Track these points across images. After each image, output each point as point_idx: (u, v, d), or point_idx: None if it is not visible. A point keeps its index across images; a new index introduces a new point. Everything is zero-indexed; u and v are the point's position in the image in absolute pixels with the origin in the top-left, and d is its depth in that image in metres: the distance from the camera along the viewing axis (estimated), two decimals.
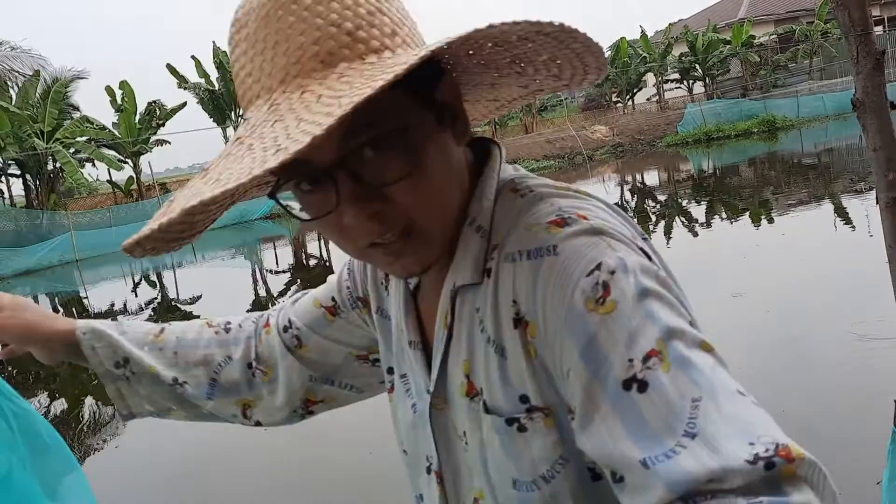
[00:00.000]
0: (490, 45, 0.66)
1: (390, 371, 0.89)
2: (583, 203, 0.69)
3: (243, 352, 1.02)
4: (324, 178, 0.64)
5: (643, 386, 0.54)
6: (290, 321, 1.00)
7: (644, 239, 0.69)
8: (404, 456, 0.86)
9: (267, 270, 14.32)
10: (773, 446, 0.49)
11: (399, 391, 0.86)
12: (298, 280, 12.44)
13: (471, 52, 0.68)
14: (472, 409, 0.72)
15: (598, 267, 0.60)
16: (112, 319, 1.18)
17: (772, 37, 35.33)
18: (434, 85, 0.68)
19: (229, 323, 1.05)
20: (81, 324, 0.99)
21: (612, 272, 0.60)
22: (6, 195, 25.65)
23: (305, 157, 0.59)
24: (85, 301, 13.72)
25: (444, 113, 0.68)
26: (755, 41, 33.30)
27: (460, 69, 0.72)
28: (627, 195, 16.81)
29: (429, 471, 0.80)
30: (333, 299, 0.98)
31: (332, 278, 1.01)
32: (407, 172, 0.64)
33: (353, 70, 0.59)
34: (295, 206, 0.69)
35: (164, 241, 0.68)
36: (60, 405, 6.95)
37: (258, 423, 1.04)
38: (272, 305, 10.95)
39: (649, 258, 0.65)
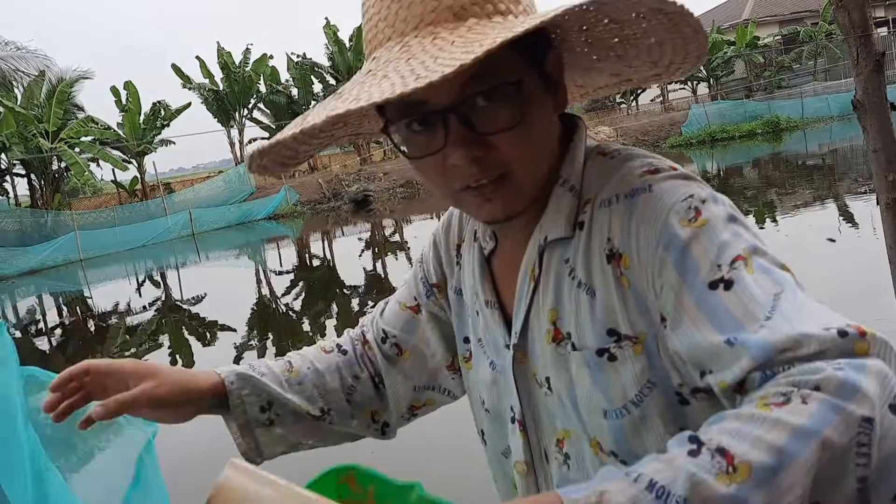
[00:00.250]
0: (606, 20, 0.73)
1: (466, 340, 0.95)
2: (669, 161, 0.76)
3: (368, 369, 1.03)
4: (436, 120, 0.71)
5: (728, 284, 0.61)
6: (384, 331, 1.03)
7: None
8: (487, 415, 0.91)
9: (271, 271, 14.34)
10: (846, 323, 0.55)
11: (477, 355, 0.92)
12: (302, 281, 12.45)
13: (585, 27, 0.76)
14: (557, 353, 0.78)
15: (691, 196, 0.68)
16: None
17: (776, 38, 35.23)
18: (545, 54, 0.75)
19: (340, 345, 1.05)
20: (225, 372, 0.95)
21: (704, 201, 0.68)
22: (11, 195, 25.74)
23: (423, 98, 0.69)
24: (89, 301, 13.75)
25: (549, 80, 0.76)
26: (759, 42, 33.24)
27: (566, 47, 0.81)
28: None
29: (512, 420, 0.86)
30: (415, 297, 1.02)
31: (408, 280, 1.05)
32: (513, 124, 0.71)
33: (480, 25, 0.67)
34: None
35: (279, 160, 0.77)
36: None
37: (385, 427, 1.05)
38: (276, 306, 10.90)
39: None
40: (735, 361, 0.58)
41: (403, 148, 0.77)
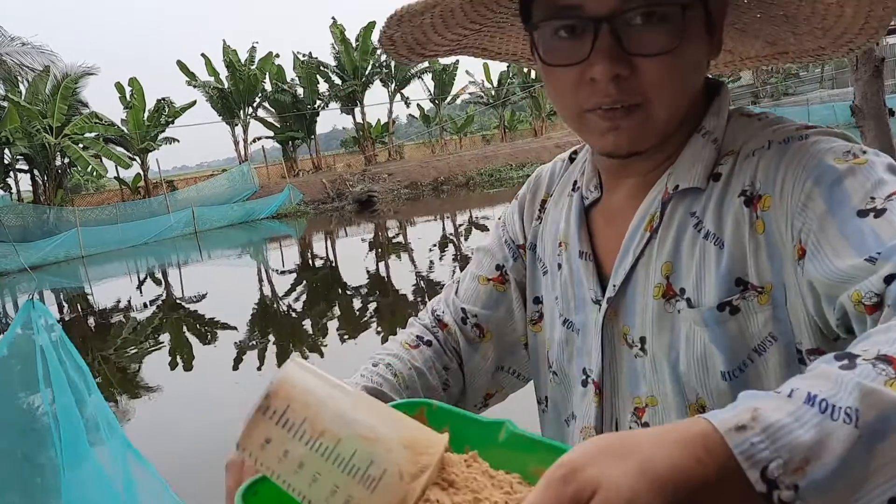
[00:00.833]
0: None
1: (536, 300, 0.92)
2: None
3: (449, 359, 0.95)
4: (586, 28, 0.68)
5: (880, 213, 0.59)
6: (464, 311, 0.95)
7: None
8: (554, 379, 0.88)
9: (273, 270, 14.26)
10: None
11: (549, 314, 0.89)
12: (304, 281, 12.37)
13: None
14: (665, 311, 0.74)
15: (851, 147, 0.67)
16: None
17: None
18: None
19: (421, 336, 0.95)
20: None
21: (864, 151, 0.66)
22: (14, 190, 25.71)
23: (578, 2, 0.68)
24: (90, 298, 13.68)
25: (712, 24, 0.73)
26: None
27: (731, 2, 0.77)
28: None
29: (584, 384, 0.82)
30: (498, 266, 0.96)
31: (483, 249, 0.99)
32: (667, 49, 0.68)
33: None
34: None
35: (409, 41, 0.76)
36: None
37: None
38: (277, 306, 10.89)
39: None
40: (874, 273, 0.55)
41: (542, 53, 0.73)
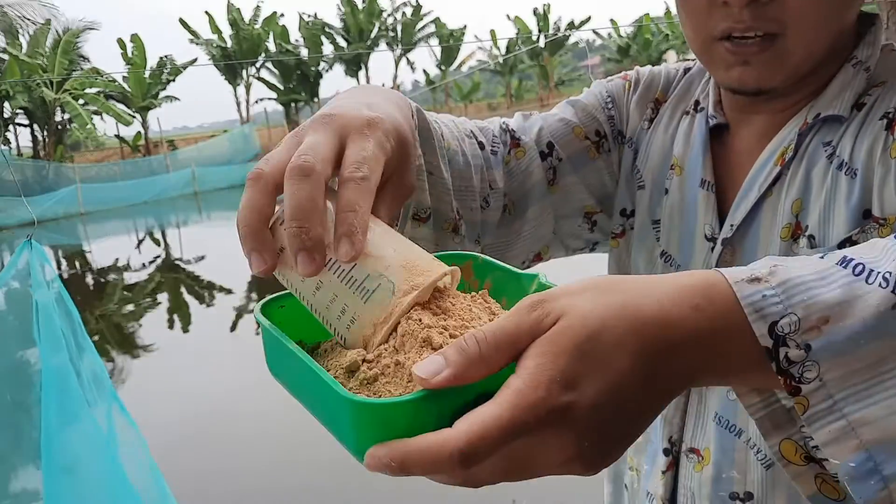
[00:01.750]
0: None
1: (624, 213, 0.84)
2: None
3: (505, 181, 0.79)
4: None
5: None
6: (550, 146, 0.81)
7: None
8: None
9: None
10: None
11: (639, 237, 0.81)
12: None
13: None
14: (788, 252, 0.68)
15: None
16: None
17: None
18: None
19: (475, 132, 0.79)
20: (415, 114, 0.67)
21: None
22: (13, 145, 25.49)
23: None
24: (88, 255, 13.60)
25: None
26: None
27: None
28: None
29: None
30: (599, 133, 0.84)
31: (580, 105, 0.85)
32: None
33: None
34: None
35: None
36: None
37: None
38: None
39: None
40: None
41: None
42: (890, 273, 0.36)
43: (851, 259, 0.37)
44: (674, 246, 0.77)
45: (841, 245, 0.64)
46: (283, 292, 0.50)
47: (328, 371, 0.41)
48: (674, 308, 0.36)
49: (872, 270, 0.36)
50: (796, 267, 0.37)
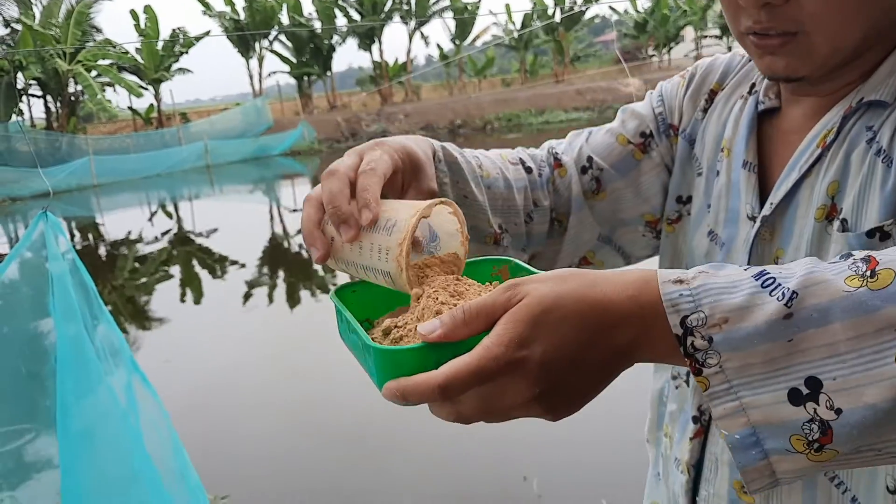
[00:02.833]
0: None
1: (680, 200, 0.88)
2: None
3: (551, 198, 0.91)
4: None
5: None
6: (590, 159, 0.90)
7: None
8: None
9: (284, 208, 14.16)
10: None
11: (695, 220, 0.84)
12: None
13: None
14: (825, 233, 0.69)
15: None
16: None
17: None
18: None
19: (523, 160, 0.91)
20: (439, 152, 0.81)
21: None
22: (27, 116, 25.55)
23: None
24: (101, 227, 13.67)
25: None
26: None
27: None
28: None
29: None
30: (644, 133, 0.90)
31: (630, 110, 0.93)
32: None
33: None
34: None
35: None
36: None
37: None
38: (289, 244, 10.88)
39: None
40: None
41: None
42: (788, 289, 0.43)
43: (766, 273, 0.45)
44: (720, 225, 0.80)
45: (871, 234, 0.64)
46: (355, 280, 0.65)
47: (371, 334, 0.56)
48: (614, 296, 0.47)
49: (779, 285, 0.44)
50: (719, 274, 0.46)
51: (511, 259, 0.66)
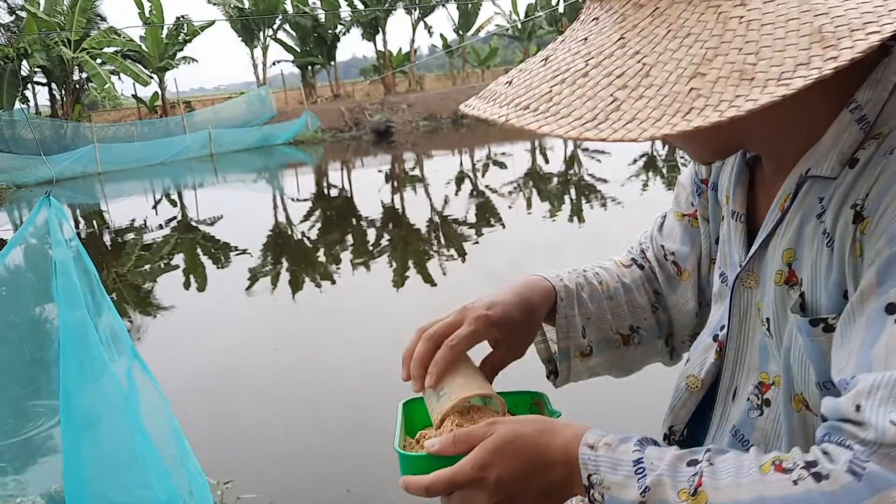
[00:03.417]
0: None
1: (717, 242, 0.91)
2: None
3: (657, 288, 1.01)
4: None
5: None
6: (664, 248, 0.99)
7: None
8: (699, 320, 0.96)
9: (288, 197, 14.18)
10: None
11: (718, 261, 0.89)
12: (318, 210, 12.29)
13: None
14: (785, 297, 0.71)
15: None
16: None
17: None
18: None
19: (635, 259, 1.03)
20: (557, 286, 0.94)
21: None
22: (31, 103, 25.56)
23: None
24: (105, 215, 13.72)
25: None
26: None
27: None
28: (658, 147, 16.30)
29: (715, 339, 0.84)
30: (688, 199, 0.96)
31: (680, 183, 0.98)
32: None
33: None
34: None
35: None
36: None
37: (672, 351, 1.03)
38: (292, 232, 10.89)
39: None
40: (849, 400, 0.55)
41: None
42: (645, 485, 0.60)
43: (641, 461, 0.62)
44: (726, 266, 0.84)
45: (815, 323, 0.65)
46: (415, 396, 0.86)
47: (419, 435, 0.82)
48: (554, 445, 0.67)
49: (646, 476, 0.61)
50: (618, 450, 0.64)
51: (544, 394, 0.87)
